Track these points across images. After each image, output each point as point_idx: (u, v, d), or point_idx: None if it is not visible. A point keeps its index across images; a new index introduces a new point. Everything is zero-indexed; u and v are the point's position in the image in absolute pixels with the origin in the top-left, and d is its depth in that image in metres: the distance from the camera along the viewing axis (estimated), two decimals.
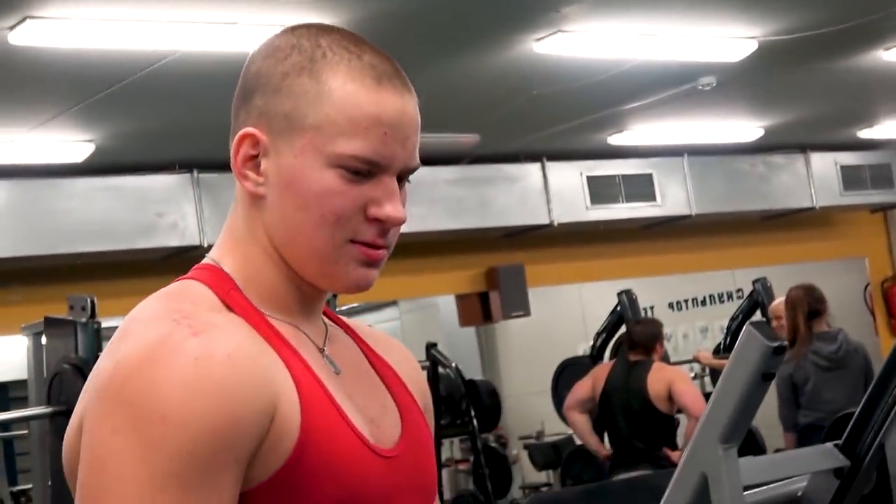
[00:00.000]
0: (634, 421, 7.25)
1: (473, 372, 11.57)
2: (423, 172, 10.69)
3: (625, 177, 10.86)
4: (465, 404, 9.02)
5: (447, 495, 10.72)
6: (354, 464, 1.45)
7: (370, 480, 1.47)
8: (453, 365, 9.14)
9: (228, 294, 1.50)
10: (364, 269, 1.51)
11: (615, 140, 10.33)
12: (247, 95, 1.54)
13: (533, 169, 10.48)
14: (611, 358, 8.97)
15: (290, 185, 1.49)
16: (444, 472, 10.83)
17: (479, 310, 10.75)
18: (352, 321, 1.70)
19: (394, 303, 14.52)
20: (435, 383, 9.35)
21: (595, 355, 9.36)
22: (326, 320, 1.62)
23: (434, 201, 9.75)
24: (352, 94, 1.47)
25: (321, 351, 1.55)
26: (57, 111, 7.27)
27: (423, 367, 9.71)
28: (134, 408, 1.33)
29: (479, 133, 9.11)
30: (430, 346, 9.34)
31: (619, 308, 9.20)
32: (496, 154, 10.08)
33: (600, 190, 10.70)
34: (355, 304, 12.68)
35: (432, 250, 10.16)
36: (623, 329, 9.03)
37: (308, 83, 1.48)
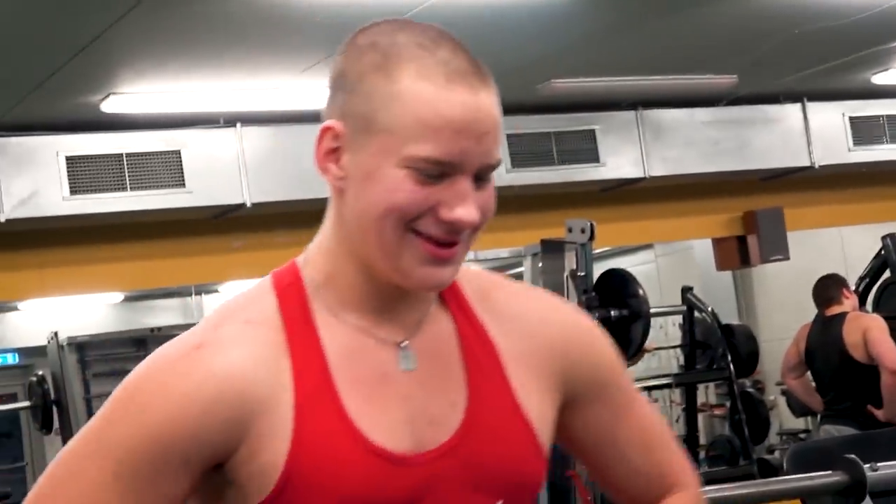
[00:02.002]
0: (836, 375, 7.13)
1: (730, 316, 11.41)
2: (680, 114, 10.66)
3: (889, 117, 10.50)
4: (721, 349, 8.91)
5: (703, 440, 10.63)
6: (353, 476, 1.47)
7: (377, 490, 1.48)
8: (709, 309, 9.03)
9: (285, 293, 1.55)
10: (429, 267, 1.50)
11: (879, 79, 9.98)
12: (332, 92, 1.55)
13: (793, 110, 10.24)
14: (874, 305, 8.74)
15: (364, 183, 1.50)
16: (700, 417, 10.73)
17: (736, 254, 10.58)
18: (494, 289, 1.67)
19: (649, 246, 14.42)
20: (691, 328, 9.26)
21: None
22: (435, 307, 1.61)
23: (690, 144, 9.61)
24: (422, 93, 1.47)
25: (399, 345, 1.55)
26: (319, 57, 7.41)
27: (678, 312, 9.63)
28: (124, 384, 1.52)
29: (737, 74, 8.93)
30: (686, 290, 9.24)
31: (882, 252, 8.93)
32: (755, 95, 9.87)
33: (864, 131, 10.38)
34: (607, 249, 12.63)
35: (688, 193, 10.03)
36: (887, 274, 8.78)
37: (381, 83, 1.49)
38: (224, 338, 1.50)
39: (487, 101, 1.49)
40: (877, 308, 8.67)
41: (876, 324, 7.08)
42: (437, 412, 1.55)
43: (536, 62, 7.93)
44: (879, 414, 6.90)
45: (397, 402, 1.53)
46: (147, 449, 1.46)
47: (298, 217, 8.88)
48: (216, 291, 12.50)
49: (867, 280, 8.95)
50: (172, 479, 1.47)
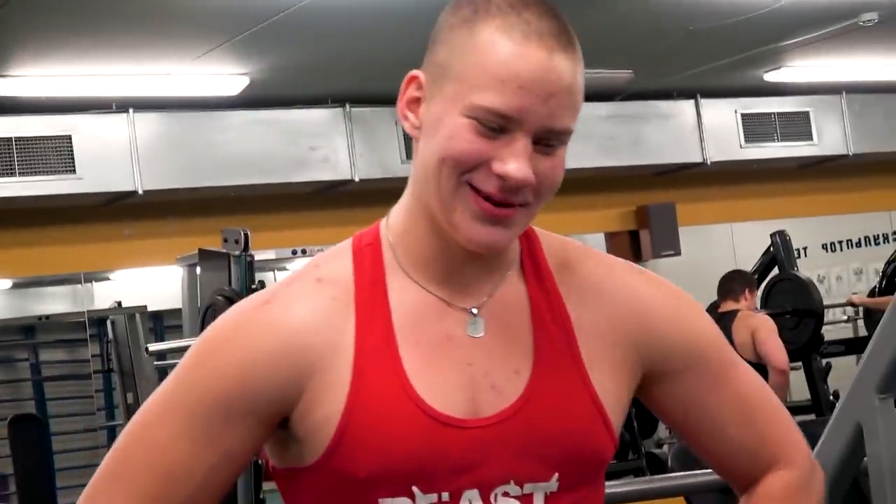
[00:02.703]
0: None
1: None
2: None
3: (780, 115, 10.65)
4: None
5: None
6: (405, 435, 1.50)
7: (428, 450, 1.50)
8: None
9: (361, 253, 1.59)
10: (481, 224, 1.50)
11: (771, 77, 10.12)
12: (428, 46, 1.57)
13: (687, 106, 10.34)
14: (762, 301, 8.86)
15: (432, 130, 1.52)
16: None
17: (628, 248, 10.66)
18: (577, 259, 1.66)
19: None
20: None
21: None
22: (514, 275, 1.61)
23: (586, 138, 9.66)
24: (496, 45, 1.48)
25: (471, 311, 1.56)
26: (213, 44, 7.35)
27: None
28: (198, 340, 1.59)
29: (632, 69, 9.00)
30: None
31: (772, 249, 9.06)
32: (650, 91, 9.96)
33: (755, 128, 10.52)
34: None
35: (583, 187, 10.09)
36: (775, 271, 8.90)
37: (464, 35, 1.51)
38: (292, 294, 1.56)
39: (562, 64, 1.49)
40: (765, 304, 8.80)
41: (764, 324, 7.15)
42: (499, 379, 1.55)
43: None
44: None
45: (459, 366, 1.55)
46: (216, 398, 1.53)
47: (190, 205, 8.83)
48: (107, 279, 12.34)
49: (756, 276, 9.07)
50: (241, 430, 1.53)
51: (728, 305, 7.30)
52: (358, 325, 1.54)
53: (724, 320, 7.21)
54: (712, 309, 7.51)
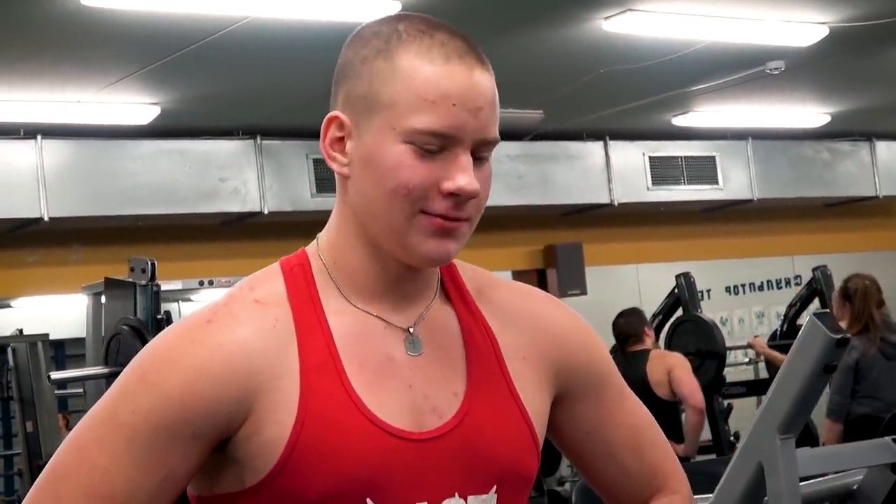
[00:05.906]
0: None
1: None
2: None
3: (687, 158, 10.79)
4: None
5: None
6: (360, 447, 1.52)
7: (382, 463, 1.53)
8: None
9: (292, 276, 1.61)
10: (436, 240, 1.55)
11: (679, 121, 10.26)
12: (336, 83, 1.61)
13: (595, 147, 10.44)
14: (666, 342, 8.93)
15: (368, 163, 1.55)
16: None
17: (535, 287, 10.72)
18: (492, 285, 1.72)
19: None
20: None
21: None
22: (440, 298, 1.66)
23: (495, 176, 9.30)
24: (419, 70, 1.53)
25: (408, 330, 1.60)
26: (125, 73, 7.31)
27: None
28: (136, 360, 1.56)
29: (543, 109, 9.07)
30: None
31: (676, 290, 9.14)
32: (559, 131, 10.04)
33: (662, 171, 10.64)
34: None
35: (491, 226, 10.05)
36: (679, 312, 8.98)
37: (382, 65, 1.55)
38: (234, 314, 1.56)
39: (483, 79, 1.56)
40: (669, 345, 8.86)
41: (680, 362, 7.19)
42: (439, 402, 1.59)
43: None
44: (679, 449, 7.01)
45: (401, 388, 1.58)
46: (162, 419, 1.51)
47: (96, 233, 8.75)
48: (9, 306, 12.19)
49: (660, 317, 9.15)
50: (184, 451, 1.52)
51: (635, 346, 7.33)
52: (301, 346, 1.55)
53: (637, 360, 7.21)
54: (618, 351, 7.54)
